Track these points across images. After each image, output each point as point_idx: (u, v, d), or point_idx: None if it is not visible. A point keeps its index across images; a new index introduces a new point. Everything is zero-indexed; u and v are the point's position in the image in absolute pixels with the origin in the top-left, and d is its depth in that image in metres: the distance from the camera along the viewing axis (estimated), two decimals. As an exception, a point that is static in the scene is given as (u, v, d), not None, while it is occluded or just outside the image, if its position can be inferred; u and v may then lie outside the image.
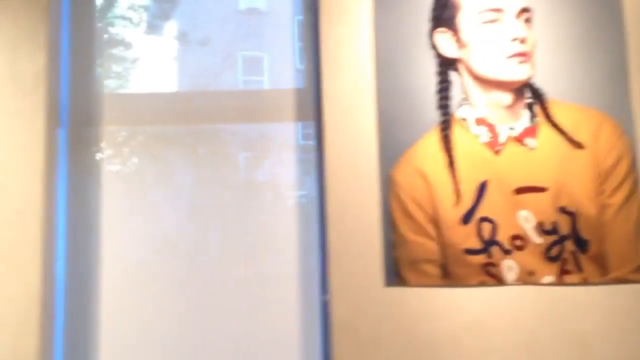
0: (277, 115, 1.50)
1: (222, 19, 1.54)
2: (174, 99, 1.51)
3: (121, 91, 1.54)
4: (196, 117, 1.51)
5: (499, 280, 1.34)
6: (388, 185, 1.37)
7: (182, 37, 1.54)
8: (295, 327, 1.43)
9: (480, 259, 1.35)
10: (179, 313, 1.42)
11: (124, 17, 1.57)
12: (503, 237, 1.34)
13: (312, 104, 1.48)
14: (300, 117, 1.50)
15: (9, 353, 1.26)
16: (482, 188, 1.36)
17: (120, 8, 1.56)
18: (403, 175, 1.37)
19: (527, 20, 1.39)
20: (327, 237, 1.34)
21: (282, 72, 1.54)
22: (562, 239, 1.34)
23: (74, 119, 1.45)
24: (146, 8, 1.59)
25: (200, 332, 1.42)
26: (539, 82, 1.38)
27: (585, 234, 1.34)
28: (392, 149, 1.38)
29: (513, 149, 1.37)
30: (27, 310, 1.28)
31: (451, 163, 1.37)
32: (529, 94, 1.38)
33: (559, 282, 1.33)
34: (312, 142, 1.49)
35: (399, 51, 1.40)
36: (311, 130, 1.51)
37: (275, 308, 1.44)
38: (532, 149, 1.37)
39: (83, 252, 1.43)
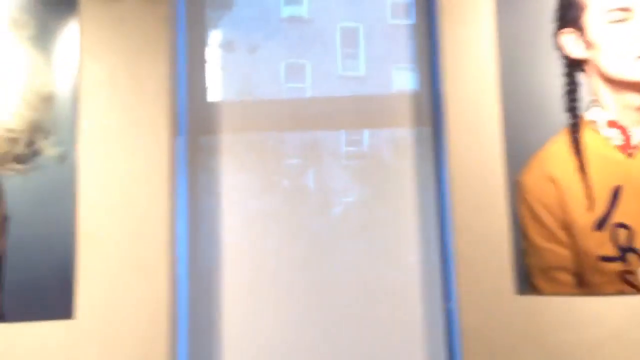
0: (392, 120, 1.48)
1: (266, 27, 1.53)
2: (289, 105, 1.50)
3: (233, 98, 1.54)
4: (313, 123, 1.50)
5: (639, 289, 1.28)
6: (516, 191, 1.33)
7: (229, 45, 1.54)
8: (418, 336, 1.39)
9: (617, 266, 1.29)
10: (300, 319, 1.40)
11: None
12: (641, 243, 1.29)
13: (427, 109, 1.47)
14: (418, 122, 1.47)
15: (140, 358, 1.26)
16: (616, 192, 1.31)
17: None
18: (532, 180, 1.33)
19: (658, 19, 1.35)
20: (453, 244, 1.31)
21: (325, 79, 1.54)
22: None
23: (191, 127, 1.46)
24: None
25: (320, 341, 1.40)
26: (674, 82, 1.33)
27: None
28: (518, 154, 1.34)
29: (647, 152, 1.32)
30: (156, 315, 1.28)
31: (582, 167, 1.33)
32: (663, 94, 1.34)
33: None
34: (356, 149, 1.48)
35: (523, 52, 1.37)
36: (359, 137, 1.50)
37: (397, 316, 1.40)
38: (667, 152, 1.32)
39: (203, 259, 1.43)
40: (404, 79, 1.55)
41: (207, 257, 1.43)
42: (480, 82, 1.36)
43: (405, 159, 1.47)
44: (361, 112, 1.50)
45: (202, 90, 1.51)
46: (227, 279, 1.42)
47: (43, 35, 1.37)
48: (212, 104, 1.50)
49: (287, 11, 1.57)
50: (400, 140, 1.48)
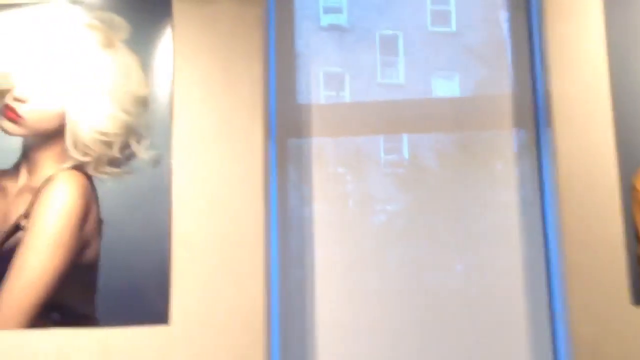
0: (492, 122, 1.42)
1: (305, 36, 1.49)
2: (379, 108, 1.46)
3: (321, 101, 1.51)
4: (407, 126, 1.45)
5: None
6: (631, 195, 1.24)
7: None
8: (524, 346, 1.32)
9: None
10: (396, 327, 1.35)
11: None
12: None
13: (526, 110, 1.40)
14: (516, 124, 1.41)
15: (236, 368, 1.23)
16: None
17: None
18: (649, 183, 1.25)
19: None
20: (562, 252, 1.23)
21: (363, 87, 1.49)
22: None
23: (281, 130, 1.43)
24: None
25: (417, 352, 1.34)
26: None
27: None
28: (632, 155, 1.26)
29: None
30: (251, 322, 1.24)
31: (703, 169, 1.24)
32: None
33: None
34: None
35: (635, 49, 1.29)
36: (396, 144, 1.44)
37: (502, 325, 1.33)
38: None
39: (293, 264, 1.39)
40: (444, 86, 1.50)
41: (297, 262, 1.39)
42: (589, 80, 1.28)
43: (504, 162, 1.41)
44: (460, 114, 1.44)
45: (292, 92, 1.48)
46: (318, 283, 1.38)
47: (137, 38, 1.37)
48: (301, 106, 1.47)
49: (326, 20, 1.54)
50: (499, 143, 1.41)
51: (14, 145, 1.35)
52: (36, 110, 1.34)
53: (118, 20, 1.38)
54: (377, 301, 1.37)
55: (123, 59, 1.36)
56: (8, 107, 1.35)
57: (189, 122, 1.35)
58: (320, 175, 1.43)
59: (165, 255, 1.29)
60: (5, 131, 1.34)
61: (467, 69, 1.50)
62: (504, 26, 1.49)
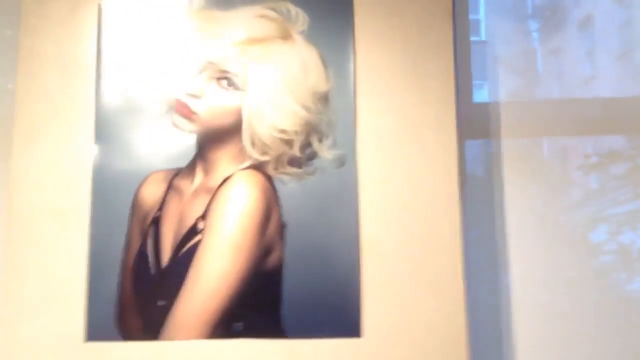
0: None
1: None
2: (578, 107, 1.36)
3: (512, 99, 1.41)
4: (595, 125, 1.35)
5: None
6: None
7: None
8: None
9: None
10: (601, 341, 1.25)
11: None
12: None
13: None
14: None
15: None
16: None
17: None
18: None
19: None
20: None
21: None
22: None
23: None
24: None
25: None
26: None
27: None
28: None
29: None
30: (453, 340, 1.15)
31: None
32: None
33: None
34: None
35: None
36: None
37: None
38: None
39: (483, 274, 1.30)
40: None
41: (488, 272, 1.30)
42: None
43: None
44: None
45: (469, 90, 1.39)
46: (512, 294, 1.28)
47: (315, 30, 1.28)
48: (482, 105, 1.38)
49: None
50: None
51: (188, 143, 1.28)
52: (210, 107, 1.26)
53: (295, 11, 1.30)
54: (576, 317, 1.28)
55: (301, 52, 1.28)
56: (180, 103, 1.28)
57: (373, 120, 1.25)
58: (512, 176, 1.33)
59: (355, 263, 1.20)
60: (179, 128, 1.27)
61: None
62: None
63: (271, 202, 1.23)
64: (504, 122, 1.36)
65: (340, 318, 1.18)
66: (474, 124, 1.36)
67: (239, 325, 1.20)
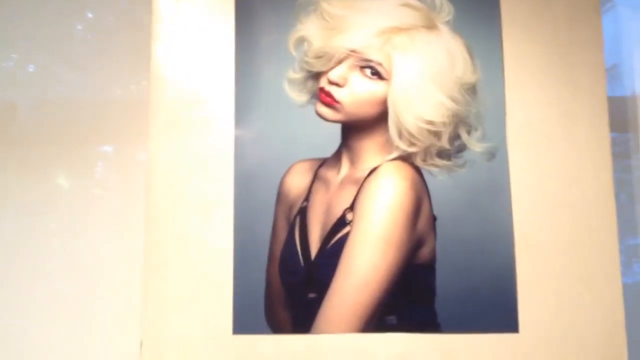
0: None
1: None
2: None
3: None
4: None
5: None
6: None
7: None
8: None
9: None
10: None
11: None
12: None
13: None
14: None
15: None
16: None
17: None
18: None
19: None
20: None
21: None
22: None
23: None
24: None
25: None
26: None
27: None
28: None
29: None
30: (612, 336, 1.14)
31: None
32: None
33: None
34: None
35: None
36: None
37: None
38: None
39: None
40: None
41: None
42: None
43: None
44: None
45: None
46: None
47: (461, 20, 1.25)
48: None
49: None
50: None
51: (333, 132, 1.25)
52: (355, 95, 1.24)
53: (440, 0, 1.28)
54: None
55: (447, 42, 1.25)
56: (323, 91, 1.25)
57: (524, 113, 1.23)
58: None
59: (509, 257, 1.19)
60: (322, 117, 1.24)
61: None
62: None
63: (421, 194, 1.21)
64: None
65: (496, 313, 1.17)
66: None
67: (392, 318, 1.18)
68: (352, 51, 1.25)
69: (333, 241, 1.20)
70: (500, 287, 1.18)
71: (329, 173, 1.25)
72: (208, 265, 1.20)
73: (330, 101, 1.24)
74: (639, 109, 1.37)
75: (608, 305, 1.16)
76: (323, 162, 1.25)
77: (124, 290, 1.31)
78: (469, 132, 1.23)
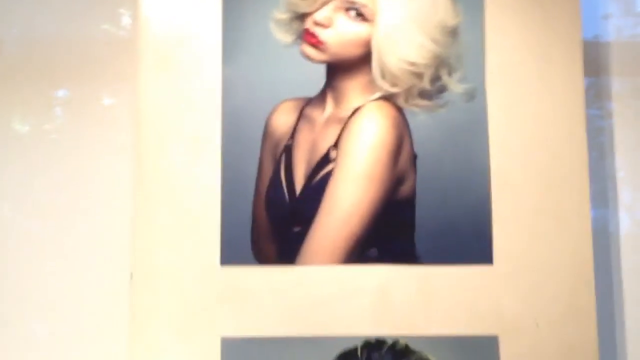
0: None
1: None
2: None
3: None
4: None
5: None
6: None
7: None
8: None
9: None
10: None
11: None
12: None
13: None
14: None
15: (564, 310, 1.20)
16: None
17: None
18: None
19: None
20: None
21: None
22: None
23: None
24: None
25: None
26: None
27: None
28: None
29: None
30: (580, 268, 1.20)
31: None
32: None
33: None
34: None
35: None
36: None
37: None
38: None
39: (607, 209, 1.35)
40: None
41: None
42: None
43: None
44: None
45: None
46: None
47: (447, -36, 1.30)
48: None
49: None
50: None
51: (318, 73, 1.28)
52: (339, 36, 1.27)
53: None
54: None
55: (431, -15, 1.29)
56: (308, 32, 1.28)
57: (502, 55, 1.27)
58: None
59: (485, 193, 1.24)
60: (308, 57, 1.27)
61: None
62: None
63: (402, 133, 1.26)
64: (614, 60, 1.40)
65: (472, 246, 1.23)
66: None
67: (372, 251, 1.24)
68: (337, -7, 1.28)
69: (317, 178, 1.25)
70: (476, 221, 1.24)
71: (314, 112, 1.29)
72: (196, 200, 1.24)
73: (315, 42, 1.27)
74: (612, 54, 1.42)
75: (577, 239, 1.23)
76: (308, 102, 1.29)
77: (111, 228, 1.34)
78: (449, 74, 1.27)
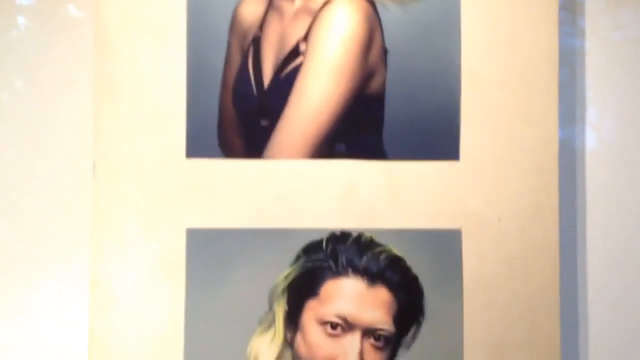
0: None
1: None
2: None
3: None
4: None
5: None
6: None
7: None
8: None
9: None
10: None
11: None
12: None
13: None
14: None
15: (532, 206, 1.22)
16: None
17: None
18: None
19: None
20: None
21: None
22: None
23: None
24: None
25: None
26: None
27: None
28: None
29: None
30: (546, 166, 1.21)
31: None
32: None
33: None
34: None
35: None
36: None
37: None
38: None
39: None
40: None
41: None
42: None
43: None
44: None
45: None
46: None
47: None
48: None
49: None
50: None
51: (289, -39, 1.24)
52: None
53: None
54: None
55: None
56: None
57: (477, -51, 1.25)
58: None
59: (455, 91, 1.23)
60: (278, -55, 1.23)
61: None
62: None
63: (374, 26, 1.23)
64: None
65: (439, 142, 1.23)
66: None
67: (341, 146, 1.23)
68: None
69: (286, 71, 1.22)
70: (445, 118, 1.23)
71: (283, 3, 1.24)
72: (161, 91, 1.20)
73: None
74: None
75: (544, 137, 1.24)
76: (278, -8, 1.25)
77: (74, 118, 1.30)
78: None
